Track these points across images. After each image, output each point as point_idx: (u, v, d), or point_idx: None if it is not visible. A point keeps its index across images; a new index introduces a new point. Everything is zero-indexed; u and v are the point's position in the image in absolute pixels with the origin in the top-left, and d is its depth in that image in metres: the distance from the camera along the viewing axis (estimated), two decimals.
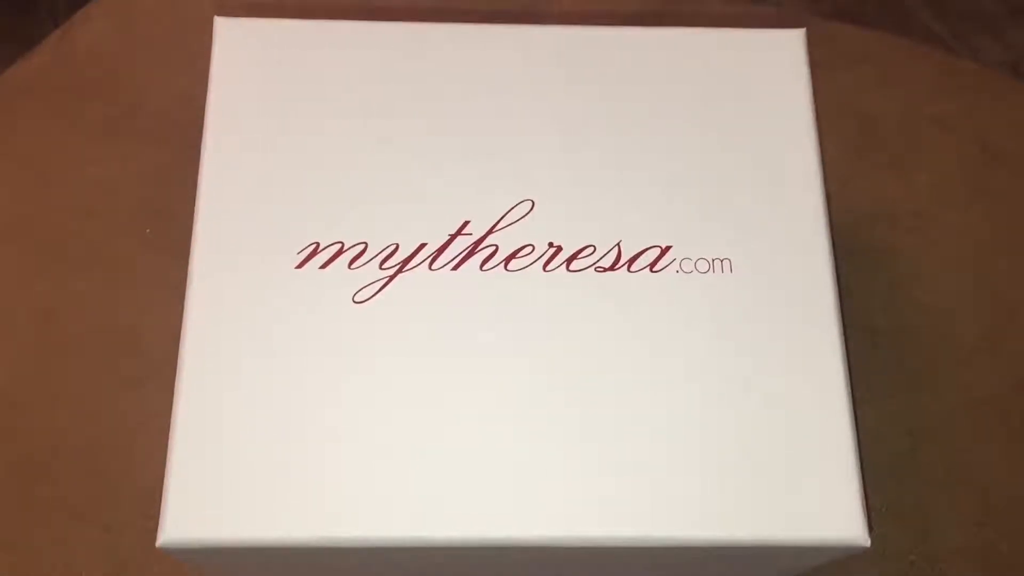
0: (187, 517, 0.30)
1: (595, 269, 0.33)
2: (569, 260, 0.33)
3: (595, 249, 0.33)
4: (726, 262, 0.33)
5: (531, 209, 0.34)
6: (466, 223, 0.33)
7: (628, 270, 0.33)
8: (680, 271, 0.33)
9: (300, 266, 0.33)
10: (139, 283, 0.47)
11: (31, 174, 0.50)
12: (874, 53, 0.56)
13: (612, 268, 0.33)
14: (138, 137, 0.51)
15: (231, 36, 0.36)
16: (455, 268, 0.33)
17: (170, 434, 0.31)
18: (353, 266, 0.33)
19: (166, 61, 0.53)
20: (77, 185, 0.50)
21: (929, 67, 0.56)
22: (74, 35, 0.54)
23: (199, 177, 0.34)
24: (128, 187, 0.50)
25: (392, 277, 0.33)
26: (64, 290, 0.47)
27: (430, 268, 0.33)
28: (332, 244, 0.33)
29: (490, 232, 0.33)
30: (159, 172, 0.50)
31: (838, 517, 0.30)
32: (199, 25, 0.38)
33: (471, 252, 0.33)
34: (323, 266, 0.33)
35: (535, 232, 0.33)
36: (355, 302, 0.32)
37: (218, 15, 0.36)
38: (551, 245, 0.33)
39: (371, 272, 0.33)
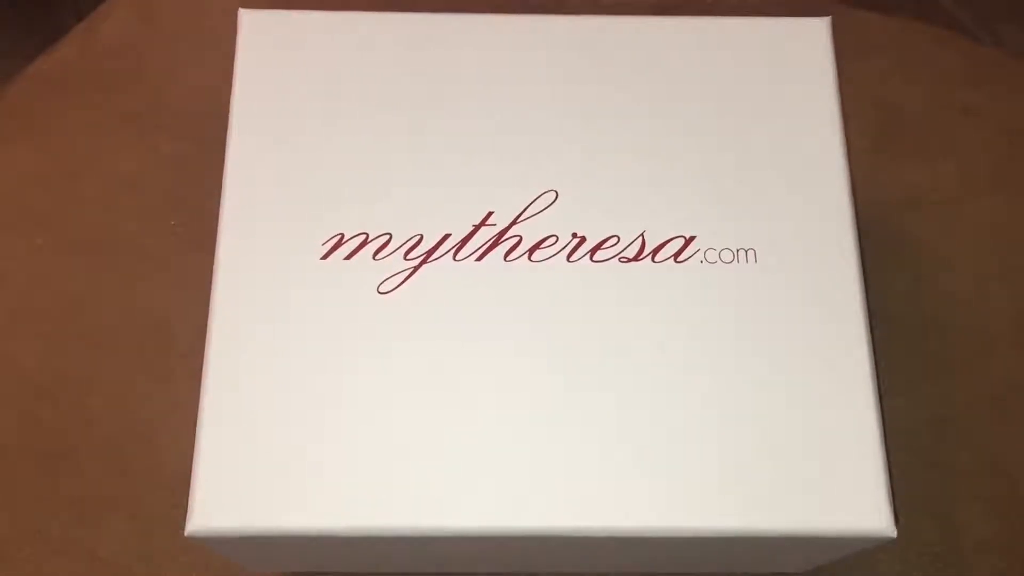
0: (215, 506, 0.30)
1: (619, 259, 0.33)
2: (593, 250, 0.33)
3: (619, 239, 0.33)
4: (751, 252, 0.33)
5: (555, 200, 0.34)
6: (490, 214, 0.33)
7: (652, 260, 0.33)
8: (704, 261, 0.33)
9: (325, 257, 0.33)
10: (165, 274, 0.48)
11: (56, 167, 0.50)
12: (899, 41, 0.55)
13: (636, 258, 0.33)
14: (163, 129, 0.51)
15: (255, 28, 0.36)
16: (479, 259, 0.33)
17: (197, 424, 0.31)
18: (378, 257, 0.33)
19: (190, 53, 0.53)
20: (102, 177, 0.50)
21: (954, 55, 0.55)
22: (98, 28, 0.54)
23: (224, 169, 0.34)
24: (153, 179, 0.50)
25: (416, 268, 0.33)
26: (90, 282, 0.48)
27: (454, 259, 0.33)
28: (357, 235, 0.33)
29: (514, 223, 0.33)
30: (184, 164, 0.50)
31: (865, 508, 0.30)
32: (223, 17, 0.38)
33: (495, 243, 0.33)
34: (348, 257, 0.33)
35: (559, 222, 0.33)
36: (380, 293, 0.32)
37: (242, 7, 0.36)
38: (575, 235, 0.33)
39: (395, 263, 0.33)
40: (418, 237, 0.33)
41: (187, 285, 0.47)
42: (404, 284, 0.33)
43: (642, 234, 0.33)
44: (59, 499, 0.44)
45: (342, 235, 0.33)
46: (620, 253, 0.33)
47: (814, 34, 0.36)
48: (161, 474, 0.44)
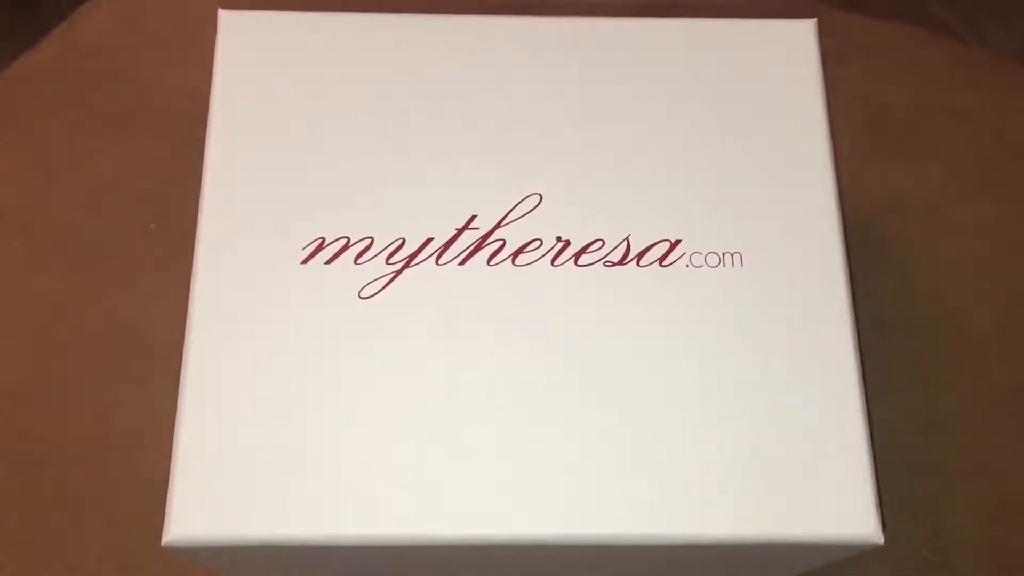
0: (193, 515, 0.30)
1: (604, 264, 0.33)
2: (577, 254, 0.33)
3: (604, 243, 0.33)
4: (736, 256, 0.33)
5: (539, 203, 0.33)
6: (473, 217, 0.33)
7: (637, 264, 0.33)
8: (690, 265, 0.33)
9: (306, 261, 0.32)
10: (143, 278, 0.47)
11: (35, 168, 0.50)
12: (885, 43, 0.55)
13: (621, 262, 0.33)
14: (142, 131, 0.50)
15: (235, 29, 0.35)
16: (462, 263, 0.33)
17: (175, 431, 0.30)
18: (359, 261, 0.32)
19: (170, 54, 0.53)
20: (81, 179, 0.49)
21: (941, 57, 0.55)
22: (78, 29, 0.54)
23: (203, 171, 0.33)
24: (132, 181, 0.49)
25: (399, 272, 0.32)
26: (68, 285, 0.47)
27: (437, 263, 0.32)
28: (338, 239, 0.33)
29: (497, 226, 0.33)
30: (163, 166, 0.49)
31: (852, 514, 0.30)
32: (203, 18, 0.37)
33: (478, 246, 0.33)
34: (329, 261, 0.32)
35: (543, 226, 0.33)
36: (361, 297, 0.32)
37: (222, 8, 0.36)
38: (559, 239, 0.33)
39: (377, 267, 0.32)
40: (400, 241, 0.33)
41: (166, 288, 0.46)
42: (386, 288, 0.32)
43: (627, 238, 0.33)
44: (36, 505, 0.43)
45: (323, 239, 0.33)
46: (605, 257, 0.33)
47: (800, 36, 0.36)
48: (140, 481, 0.44)
